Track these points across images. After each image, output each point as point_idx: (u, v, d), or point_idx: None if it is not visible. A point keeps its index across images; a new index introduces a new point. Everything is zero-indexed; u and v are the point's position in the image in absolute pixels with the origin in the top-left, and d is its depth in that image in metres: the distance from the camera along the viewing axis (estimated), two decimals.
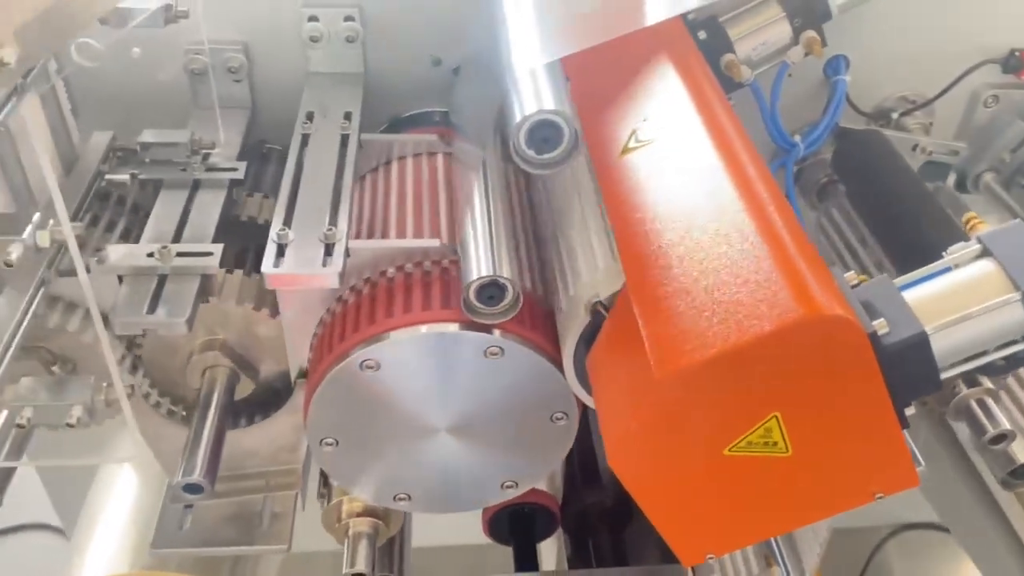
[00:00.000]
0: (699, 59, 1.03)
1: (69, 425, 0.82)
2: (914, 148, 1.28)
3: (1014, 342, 0.72)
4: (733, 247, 0.73)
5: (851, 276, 0.74)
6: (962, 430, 1.10)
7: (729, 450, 0.73)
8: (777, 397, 0.70)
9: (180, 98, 1.15)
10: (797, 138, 1.21)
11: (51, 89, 0.97)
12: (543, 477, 1.02)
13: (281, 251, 0.88)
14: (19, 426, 0.81)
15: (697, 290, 0.72)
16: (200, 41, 1.12)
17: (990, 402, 0.96)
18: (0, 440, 0.83)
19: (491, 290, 0.83)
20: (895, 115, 1.29)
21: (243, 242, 1.03)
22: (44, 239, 0.85)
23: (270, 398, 1.03)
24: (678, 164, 0.85)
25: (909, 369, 0.71)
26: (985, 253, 0.72)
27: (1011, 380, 1.05)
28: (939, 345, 0.71)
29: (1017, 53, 1.27)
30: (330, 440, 0.91)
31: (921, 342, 0.70)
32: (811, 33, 1.13)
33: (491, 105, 1.01)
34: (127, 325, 0.87)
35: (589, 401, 0.89)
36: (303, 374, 0.99)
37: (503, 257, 0.85)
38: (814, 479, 0.77)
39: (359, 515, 1.02)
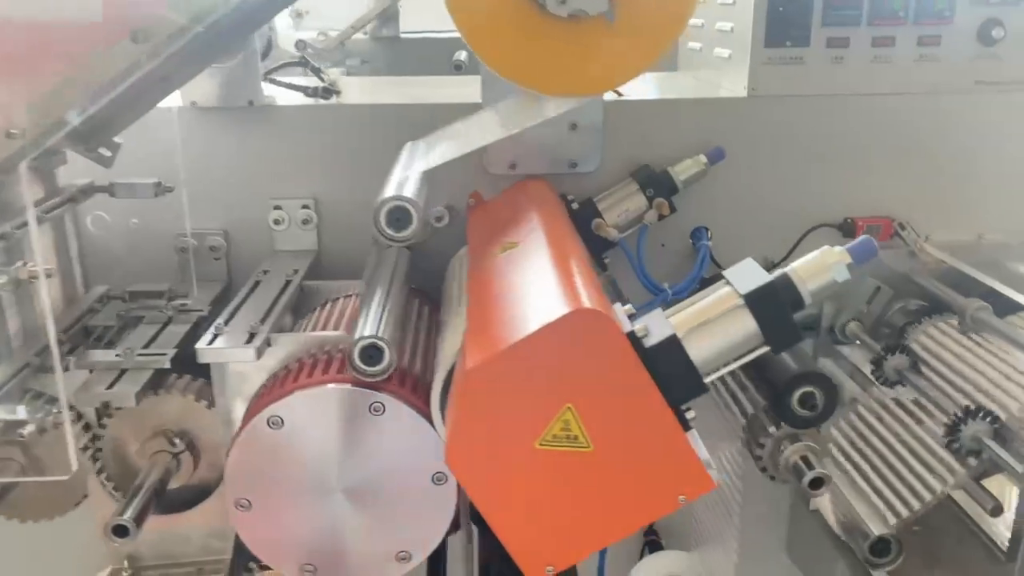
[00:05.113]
0: (559, 211, 1.33)
1: (21, 436, 1.02)
2: None
3: (758, 346, 0.91)
4: (537, 287, 0.97)
5: (628, 308, 0.96)
6: None
7: (540, 443, 0.91)
8: (565, 388, 0.89)
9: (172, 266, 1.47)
10: (666, 285, 1.46)
11: (64, 247, 1.29)
12: (431, 548, 1.14)
13: (215, 338, 1.12)
14: None
15: (508, 315, 0.95)
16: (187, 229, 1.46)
17: (810, 455, 1.10)
18: None
19: (371, 351, 1.05)
20: None
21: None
22: None
23: (206, 489, 1.21)
24: (523, 257, 1.11)
25: (671, 369, 0.90)
26: (727, 283, 0.94)
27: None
28: (697, 352, 0.91)
29: (850, 220, 1.56)
30: (244, 501, 1.08)
31: (673, 342, 0.90)
32: (660, 199, 1.44)
33: None
34: (87, 399, 1.10)
35: None
36: None
37: (386, 327, 1.08)
38: (621, 480, 0.92)
39: None
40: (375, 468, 1.08)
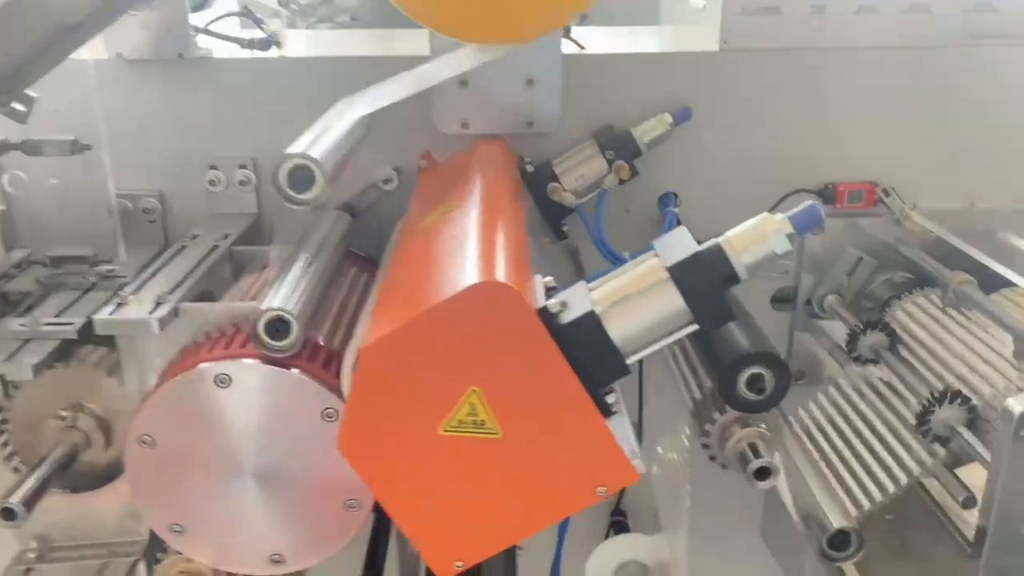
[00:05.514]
0: (506, 174, 1.23)
1: None
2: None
3: (686, 324, 0.82)
4: (450, 257, 0.88)
5: (548, 281, 0.86)
6: None
7: (444, 429, 0.82)
8: (470, 369, 0.80)
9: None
10: (627, 254, 1.36)
11: None
12: (310, 564, 1.05)
13: (119, 307, 1.04)
14: None
15: (416, 287, 0.86)
16: (120, 189, 1.38)
17: (759, 442, 1.01)
18: None
19: (278, 324, 0.97)
20: None
21: None
22: None
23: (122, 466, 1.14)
24: (449, 224, 1.02)
25: (589, 349, 0.81)
26: (655, 254, 0.85)
27: None
28: (618, 330, 0.81)
29: (831, 185, 1.45)
30: (148, 438, 0.98)
31: (591, 320, 0.80)
32: (620, 162, 1.33)
33: None
34: None
35: None
36: None
37: (300, 298, 0.99)
38: (535, 469, 0.84)
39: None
40: (299, 469, 0.99)
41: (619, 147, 1.35)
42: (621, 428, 0.85)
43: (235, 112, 1.38)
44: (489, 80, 1.35)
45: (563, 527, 1.33)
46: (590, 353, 0.80)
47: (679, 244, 0.82)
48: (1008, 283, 1.22)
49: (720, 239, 0.81)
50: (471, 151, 1.34)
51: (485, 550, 0.87)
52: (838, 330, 1.44)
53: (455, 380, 0.80)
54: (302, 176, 0.91)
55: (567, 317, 0.81)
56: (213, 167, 1.39)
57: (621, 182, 1.35)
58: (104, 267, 1.26)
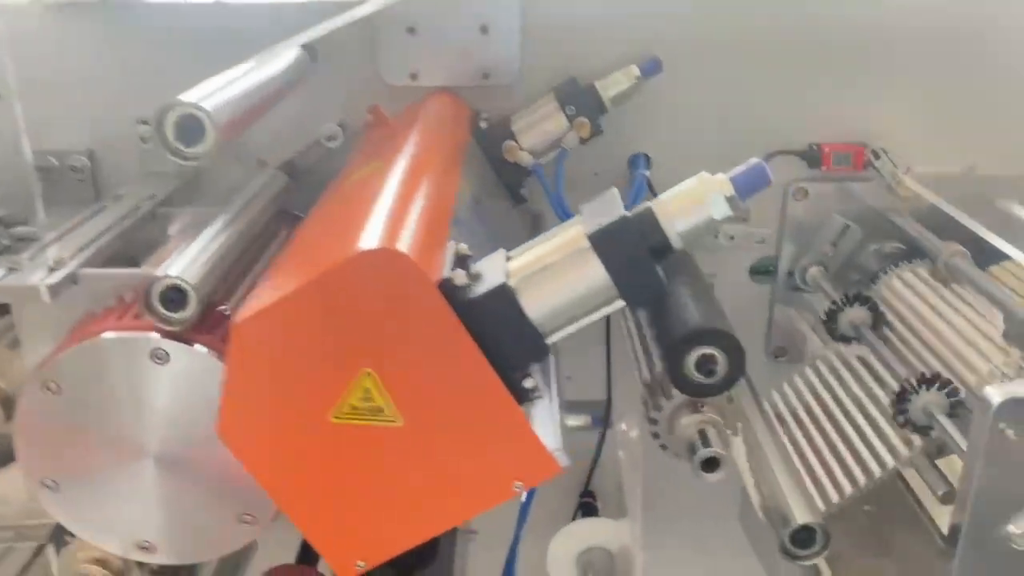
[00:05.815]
0: (451, 130, 1.12)
1: None
2: (716, 235, 1.30)
3: (612, 299, 0.71)
4: (351, 221, 0.77)
5: (463, 249, 0.76)
6: None
7: (336, 417, 0.72)
8: (361, 349, 0.70)
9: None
10: None
11: None
12: (180, 563, 0.95)
13: (11, 273, 0.95)
14: None
15: (308, 256, 0.76)
16: (45, 145, 1.28)
17: (710, 430, 0.91)
18: None
19: (173, 294, 0.87)
20: None
21: None
22: None
23: None
24: (365, 184, 0.91)
25: (502, 327, 0.71)
26: (581, 220, 0.74)
27: None
28: (536, 306, 0.71)
29: (816, 146, 1.32)
30: (54, 385, 0.88)
31: (503, 293, 0.70)
32: (581, 119, 1.22)
33: None
34: None
35: None
36: None
37: (201, 267, 0.89)
38: (441, 462, 0.74)
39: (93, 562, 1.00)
40: (189, 452, 0.89)
41: (581, 102, 1.23)
42: (543, 416, 0.75)
43: (168, 62, 1.27)
44: (439, 26, 1.24)
45: (524, 509, 1.24)
46: (503, 332, 0.70)
47: (606, 208, 0.71)
48: (1003, 256, 1.10)
49: (652, 203, 0.71)
50: (419, 105, 1.24)
51: (390, 549, 0.78)
52: (822, 304, 1.34)
53: (344, 361, 0.70)
54: (191, 127, 0.81)
55: (477, 290, 0.70)
56: (144, 122, 1.29)
57: (582, 141, 1.23)
58: (20, 229, 1.17)
